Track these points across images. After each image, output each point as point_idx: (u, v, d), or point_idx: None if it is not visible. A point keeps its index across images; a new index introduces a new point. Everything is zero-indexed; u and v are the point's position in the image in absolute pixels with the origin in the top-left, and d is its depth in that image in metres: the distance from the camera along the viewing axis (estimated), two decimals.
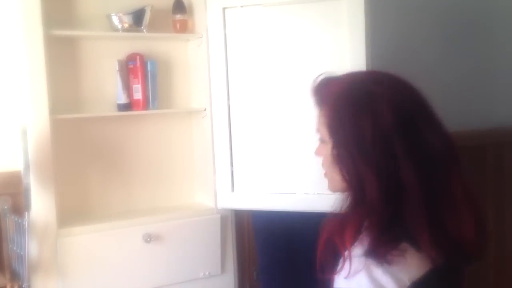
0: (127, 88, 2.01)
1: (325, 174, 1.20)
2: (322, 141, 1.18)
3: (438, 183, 1.07)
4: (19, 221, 1.72)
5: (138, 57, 2.01)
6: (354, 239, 1.04)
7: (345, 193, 1.14)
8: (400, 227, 1.04)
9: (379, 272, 0.99)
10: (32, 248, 1.73)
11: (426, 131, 1.08)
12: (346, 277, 1.01)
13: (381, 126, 1.05)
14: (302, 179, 1.93)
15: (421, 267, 1.03)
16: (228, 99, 2.03)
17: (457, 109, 2.82)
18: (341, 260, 1.03)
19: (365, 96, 1.08)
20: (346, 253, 1.02)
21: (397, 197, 1.05)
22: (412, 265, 1.02)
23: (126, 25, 1.97)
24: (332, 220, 1.10)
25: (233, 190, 2.05)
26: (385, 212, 1.04)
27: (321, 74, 1.21)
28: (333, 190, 1.20)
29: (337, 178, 1.13)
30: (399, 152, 1.04)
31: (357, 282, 1.00)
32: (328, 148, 1.15)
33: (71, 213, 1.92)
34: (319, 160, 1.21)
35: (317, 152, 1.21)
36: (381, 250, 1.00)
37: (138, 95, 2.01)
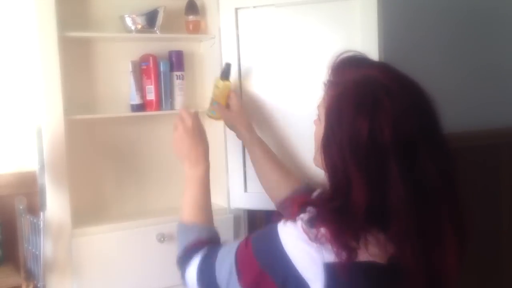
0: (140, 89, 2.02)
1: (315, 147, 1.23)
2: (318, 118, 1.20)
3: (427, 211, 1.05)
4: (34, 221, 1.74)
5: (151, 58, 2.02)
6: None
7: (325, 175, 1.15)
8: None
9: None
10: (47, 248, 1.74)
11: (426, 157, 1.05)
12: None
13: (378, 139, 1.02)
14: (315, 178, 1.92)
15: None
16: (241, 98, 2.04)
17: (471, 108, 2.81)
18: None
19: (370, 100, 1.05)
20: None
21: (382, 213, 1.04)
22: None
23: (139, 26, 1.98)
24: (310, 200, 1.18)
25: (246, 190, 2.06)
26: (366, 220, 1.04)
27: (347, 51, 1.18)
28: (316, 164, 1.23)
29: (321, 158, 1.14)
30: (392, 171, 1.02)
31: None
32: (319, 128, 1.16)
33: (86, 213, 1.94)
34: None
35: (315, 123, 1.23)
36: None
37: (151, 95, 2.02)
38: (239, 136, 1.85)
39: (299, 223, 1.09)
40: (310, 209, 1.11)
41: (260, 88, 2.02)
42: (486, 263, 2.76)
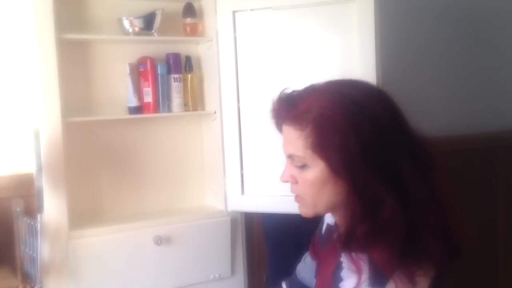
0: (138, 91, 2.03)
1: (299, 198, 1.14)
2: (301, 165, 1.09)
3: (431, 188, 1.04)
4: (32, 223, 1.74)
5: (148, 60, 2.02)
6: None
7: (338, 209, 1.10)
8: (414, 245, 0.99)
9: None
10: (44, 250, 1.74)
11: (412, 137, 1.05)
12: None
13: (380, 127, 1.01)
14: None
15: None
16: (238, 102, 2.04)
17: (467, 112, 2.82)
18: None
19: (353, 104, 1.03)
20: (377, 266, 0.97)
21: (406, 206, 1.00)
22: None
23: (137, 29, 1.98)
24: (352, 236, 1.02)
25: (243, 192, 2.06)
26: (402, 229, 0.98)
27: (280, 91, 1.15)
28: (312, 214, 1.14)
29: (325, 200, 1.08)
30: (398, 154, 1.01)
31: None
32: (313, 171, 1.07)
33: (83, 215, 1.94)
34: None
35: (288, 178, 1.13)
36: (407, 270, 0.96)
37: (148, 98, 2.03)
38: None
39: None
40: (351, 269, 1.00)
41: (257, 90, 2.02)
42: (481, 266, 2.76)
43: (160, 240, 1.92)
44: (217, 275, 2.06)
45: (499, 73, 3.05)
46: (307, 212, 1.14)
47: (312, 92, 1.11)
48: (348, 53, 1.90)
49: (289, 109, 1.11)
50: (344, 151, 1.01)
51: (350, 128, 1.01)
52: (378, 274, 0.96)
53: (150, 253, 1.92)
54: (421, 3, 2.74)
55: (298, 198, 1.14)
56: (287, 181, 1.14)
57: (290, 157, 1.12)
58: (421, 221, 1.01)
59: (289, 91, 1.14)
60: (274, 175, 2.02)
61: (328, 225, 1.27)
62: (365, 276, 0.97)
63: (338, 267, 1.04)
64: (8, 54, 1.93)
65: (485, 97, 2.95)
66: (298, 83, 1.96)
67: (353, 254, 1.00)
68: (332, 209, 1.13)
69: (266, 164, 2.02)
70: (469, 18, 2.90)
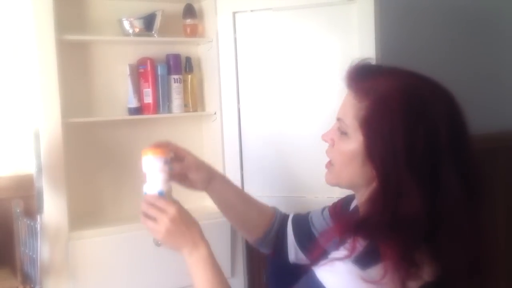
0: (138, 92, 2.03)
1: (329, 165, 1.15)
2: (343, 132, 1.10)
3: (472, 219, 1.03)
4: (31, 224, 1.73)
5: (148, 61, 2.02)
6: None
7: (358, 190, 1.11)
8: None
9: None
10: (44, 251, 1.74)
11: (467, 154, 1.03)
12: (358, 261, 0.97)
13: (435, 141, 0.99)
14: (312, 182, 1.93)
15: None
16: (238, 103, 2.04)
17: (468, 112, 2.82)
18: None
19: (420, 106, 1.01)
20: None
21: (433, 220, 0.99)
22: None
23: (137, 30, 1.98)
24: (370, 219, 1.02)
25: None
26: (420, 230, 0.98)
27: (361, 59, 1.14)
28: (334, 183, 1.16)
29: (350, 175, 1.09)
30: (445, 176, 0.99)
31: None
32: (349, 142, 1.08)
33: (83, 216, 1.94)
34: (322, 147, 1.16)
35: (328, 139, 1.14)
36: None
37: (148, 99, 2.03)
38: (213, 185, 1.55)
39: (349, 264, 0.98)
40: (347, 245, 1.01)
41: (258, 92, 2.03)
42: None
43: (159, 242, 1.91)
44: None
45: (499, 74, 3.05)
46: (331, 179, 1.16)
47: (387, 72, 1.11)
48: (348, 54, 1.89)
49: (358, 79, 1.11)
50: (387, 142, 1.01)
51: (403, 125, 1.00)
52: (370, 256, 0.97)
53: (150, 254, 1.92)
54: (421, 5, 2.74)
55: (328, 164, 1.16)
56: (326, 141, 1.16)
57: (339, 120, 1.12)
58: (447, 230, 1.00)
59: (368, 62, 1.14)
60: (274, 176, 2.03)
61: (356, 206, 1.27)
62: (355, 254, 0.98)
63: (342, 240, 1.05)
64: (8, 55, 1.93)
65: (485, 98, 2.95)
66: (298, 83, 1.97)
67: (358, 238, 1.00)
68: (354, 188, 1.14)
69: (266, 165, 2.02)
70: (470, 19, 2.89)
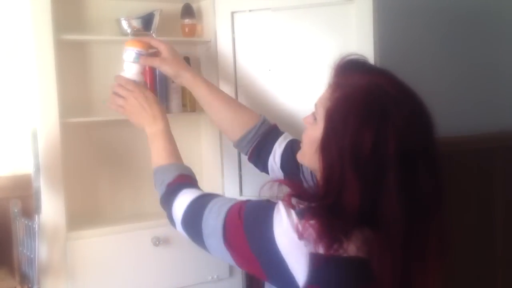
0: None
1: (303, 145, 1.24)
2: (314, 118, 1.19)
3: (416, 225, 1.06)
4: (29, 224, 1.73)
5: None
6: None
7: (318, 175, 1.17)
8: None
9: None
10: (42, 251, 1.74)
11: (424, 171, 1.06)
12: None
13: (381, 151, 1.03)
14: None
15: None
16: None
17: (465, 112, 2.82)
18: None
19: (378, 110, 1.04)
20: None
21: (372, 216, 1.05)
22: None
23: (135, 30, 1.98)
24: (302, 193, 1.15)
25: (241, 194, 2.06)
26: (356, 219, 1.05)
27: (351, 54, 1.19)
28: (300, 162, 1.27)
29: (309, 158, 1.18)
30: (390, 182, 1.03)
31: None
32: (315, 129, 1.16)
33: (81, 216, 1.94)
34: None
35: (306, 122, 1.23)
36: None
37: None
38: (182, 80, 1.74)
39: (292, 212, 1.10)
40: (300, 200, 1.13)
41: (256, 91, 2.02)
42: (480, 266, 2.76)
43: (158, 241, 1.92)
44: (215, 276, 2.05)
45: (498, 73, 3.05)
46: (299, 156, 1.27)
47: (366, 71, 1.16)
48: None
49: (339, 72, 1.18)
50: (338, 136, 1.07)
51: (356, 124, 1.04)
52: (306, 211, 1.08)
53: (148, 254, 1.92)
54: (420, 5, 2.75)
55: (301, 144, 1.26)
56: (305, 124, 1.24)
57: (314, 106, 1.21)
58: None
59: (357, 57, 1.19)
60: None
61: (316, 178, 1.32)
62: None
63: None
64: (6, 55, 1.93)
65: (484, 98, 2.95)
66: (296, 84, 1.97)
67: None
68: (314, 170, 1.24)
69: None
70: (468, 19, 2.90)
